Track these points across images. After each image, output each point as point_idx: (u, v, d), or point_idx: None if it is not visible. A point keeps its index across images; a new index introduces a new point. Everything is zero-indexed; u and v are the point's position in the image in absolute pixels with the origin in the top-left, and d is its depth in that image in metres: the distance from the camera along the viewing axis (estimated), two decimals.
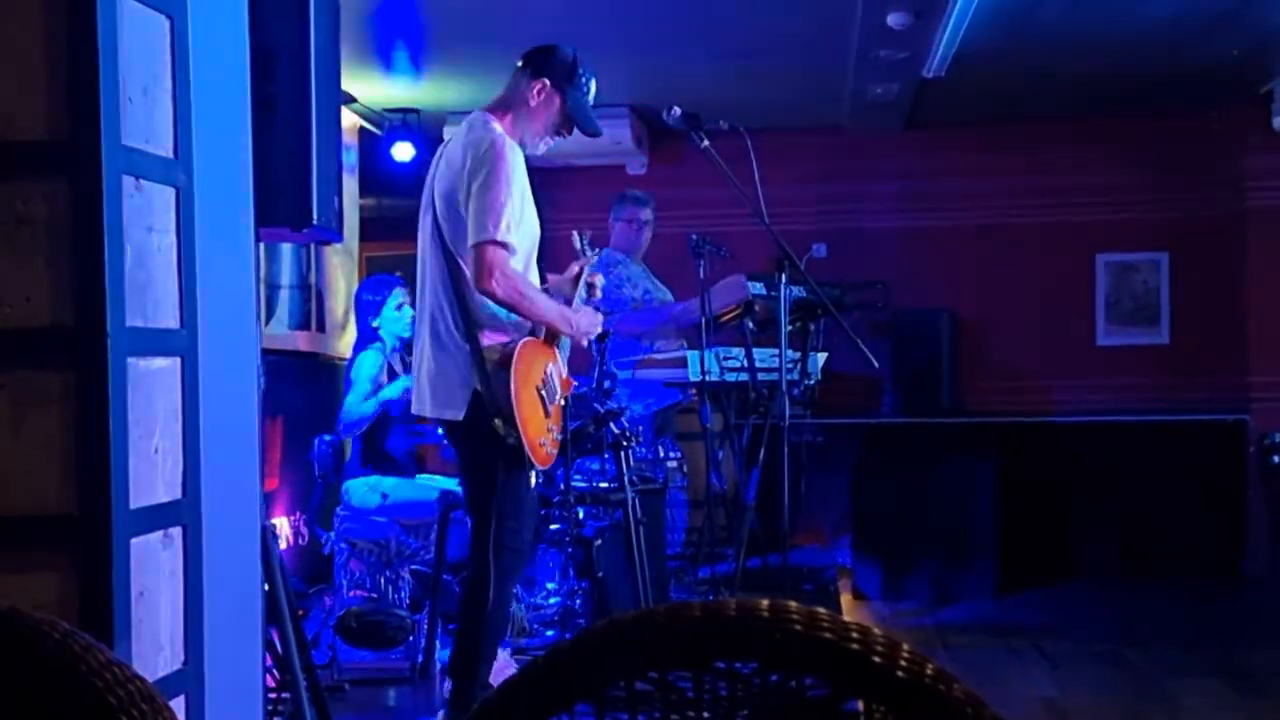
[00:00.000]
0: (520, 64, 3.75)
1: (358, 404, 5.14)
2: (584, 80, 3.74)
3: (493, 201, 3.45)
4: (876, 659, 0.94)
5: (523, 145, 3.70)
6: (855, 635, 0.95)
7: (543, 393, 3.63)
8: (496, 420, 3.47)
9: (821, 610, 0.98)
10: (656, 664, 0.96)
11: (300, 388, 6.22)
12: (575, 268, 3.98)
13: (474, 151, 3.54)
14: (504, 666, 3.87)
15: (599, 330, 3.90)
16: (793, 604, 0.98)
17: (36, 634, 1.02)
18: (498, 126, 3.61)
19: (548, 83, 3.69)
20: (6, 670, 1.01)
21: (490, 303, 3.54)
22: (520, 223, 3.56)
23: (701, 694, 0.97)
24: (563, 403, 3.81)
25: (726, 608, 0.98)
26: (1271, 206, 7.24)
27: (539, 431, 3.58)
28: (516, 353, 3.52)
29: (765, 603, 0.98)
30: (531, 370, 3.59)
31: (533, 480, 3.69)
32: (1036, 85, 6.83)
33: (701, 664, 0.96)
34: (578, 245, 4.03)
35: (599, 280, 4.03)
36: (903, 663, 0.93)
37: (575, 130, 3.81)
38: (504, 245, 3.47)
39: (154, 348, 2.40)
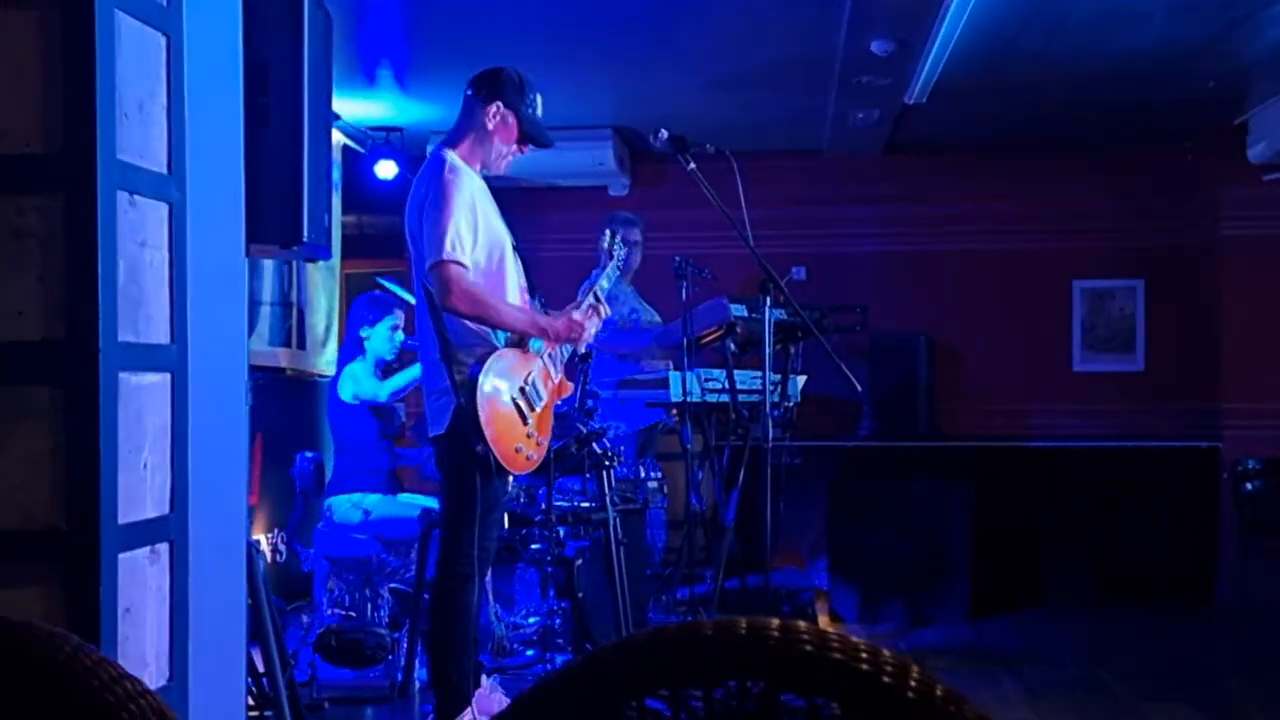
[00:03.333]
0: (470, 91, 3.85)
1: (375, 381, 5.14)
2: (533, 97, 3.83)
3: (439, 223, 3.58)
4: (886, 679, 0.95)
5: (485, 168, 3.83)
6: (865, 655, 0.97)
7: (520, 402, 3.67)
8: (467, 433, 3.56)
9: (831, 631, 0.99)
10: (669, 682, 0.97)
11: (281, 404, 6.20)
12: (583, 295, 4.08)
13: (422, 183, 3.72)
14: (488, 691, 3.87)
15: (587, 334, 3.88)
16: (802, 624, 1.00)
17: (50, 648, 1.03)
18: (448, 155, 3.73)
19: (501, 104, 3.78)
20: (22, 683, 1.01)
21: (463, 322, 3.64)
22: (478, 239, 3.65)
23: (713, 713, 0.98)
24: (551, 411, 3.85)
25: (738, 627, 0.99)
26: (1246, 236, 7.33)
27: (515, 440, 3.65)
28: (485, 367, 3.59)
29: (775, 622, 1.00)
30: (505, 381, 3.64)
31: (509, 486, 3.75)
32: (1016, 113, 6.90)
33: (713, 683, 0.97)
34: (605, 244, 4.27)
35: (593, 325, 4.08)
36: (913, 683, 0.95)
37: (530, 147, 3.92)
38: (459, 263, 3.57)
39: (145, 363, 2.40)
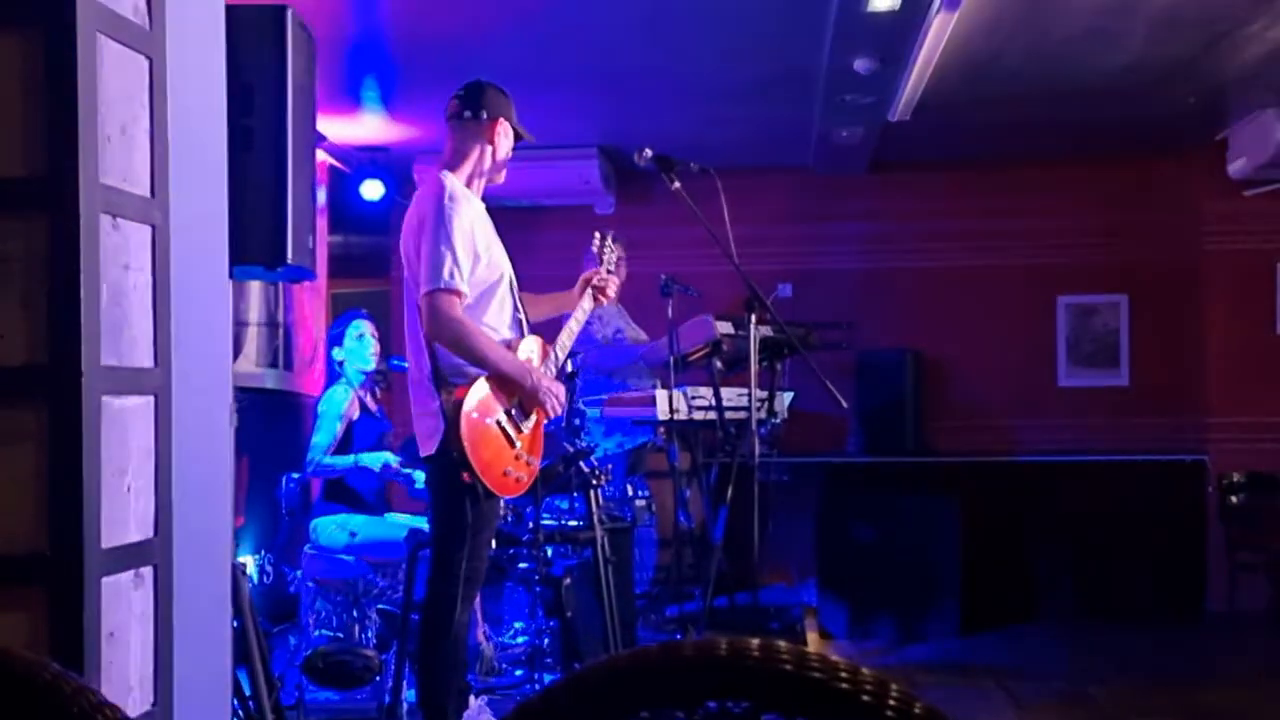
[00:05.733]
0: (468, 113, 3.83)
1: (325, 447, 5.10)
2: (512, 108, 3.89)
3: (434, 251, 3.59)
4: (866, 698, 0.95)
5: (491, 183, 3.84)
6: (844, 674, 0.97)
7: (506, 425, 3.67)
8: (455, 458, 3.58)
9: (811, 650, 0.99)
10: (650, 704, 0.97)
11: (267, 425, 6.19)
12: (585, 276, 4.09)
13: (418, 208, 3.72)
14: (477, 712, 3.86)
15: (555, 403, 3.80)
16: (782, 643, 1.00)
17: (29, 674, 1.02)
18: (448, 180, 3.73)
19: (504, 119, 3.82)
20: (0, 711, 1.01)
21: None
22: (478, 265, 3.66)
23: None
24: (540, 429, 3.83)
25: (718, 647, 1.00)
26: (1227, 250, 7.38)
27: (503, 464, 3.65)
28: (469, 393, 3.60)
29: (755, 642, 1.00)
30: (490, 406, 3.64)
31: (501, 509, 3.74)
32: (998, 130, 6.94)
33: (694, 704, 0.98)
34: (595, 247, 4.15)
35: (612, 285, 4.07)
36: (891, 701, 0.95)
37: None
38: (452, 291, 3.58)
39: (128, 386, 2.39)
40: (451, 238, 3.59)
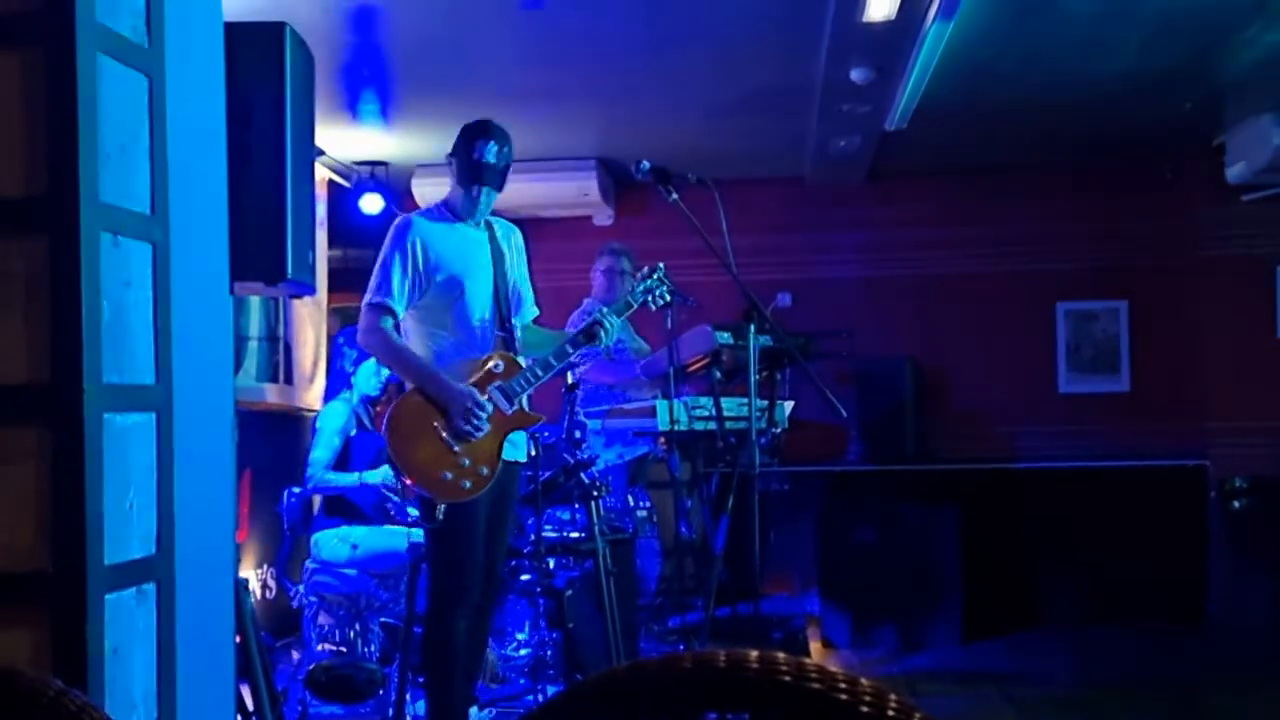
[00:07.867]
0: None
1: (324, 462, 5.12)
2: (483, 143, 3.92)
3: (377, 268, 3.86)
4: (864, 708, 0.96)
5: (463, 216, 3.98)
6: (842, 685, 0.98)
7: (443, 431, 3.68)
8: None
9: (809, 660, 1.00)
10: (650, 715, 0.98)
11: (268, 440, 6.19)
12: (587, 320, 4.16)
13: None
14: None
15: (467, 412, 3.74)
16: (781, 655, 1.01)
17: (33, 693, 1.03)
18: (421, 203, 3.89)
19: (454, 157, 3.98)
20: None
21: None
22: (425, 283, 3.82)
23: None
24: (498, 440, 3.81)
25: (716, 659, 1.00)
26: (1226, 255, 7.39)
27: (439, 468, 3.67)
28: (401, 400, 3.78)
29: (754, 654, 1.00)
30: (422, 410, 3.72)
31: (438, 514, 3.68)
32: (995, 138, 6.95)
33: (694, 716, 0.98)
34: (655, 296, 4.24)
35: (602, 332, 4.07)
36: (890, 712, 0.96)
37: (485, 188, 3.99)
38: (380, 307, 3.80)
39: (130, 403, 2.40)
40: (390, 257, 3.81)
